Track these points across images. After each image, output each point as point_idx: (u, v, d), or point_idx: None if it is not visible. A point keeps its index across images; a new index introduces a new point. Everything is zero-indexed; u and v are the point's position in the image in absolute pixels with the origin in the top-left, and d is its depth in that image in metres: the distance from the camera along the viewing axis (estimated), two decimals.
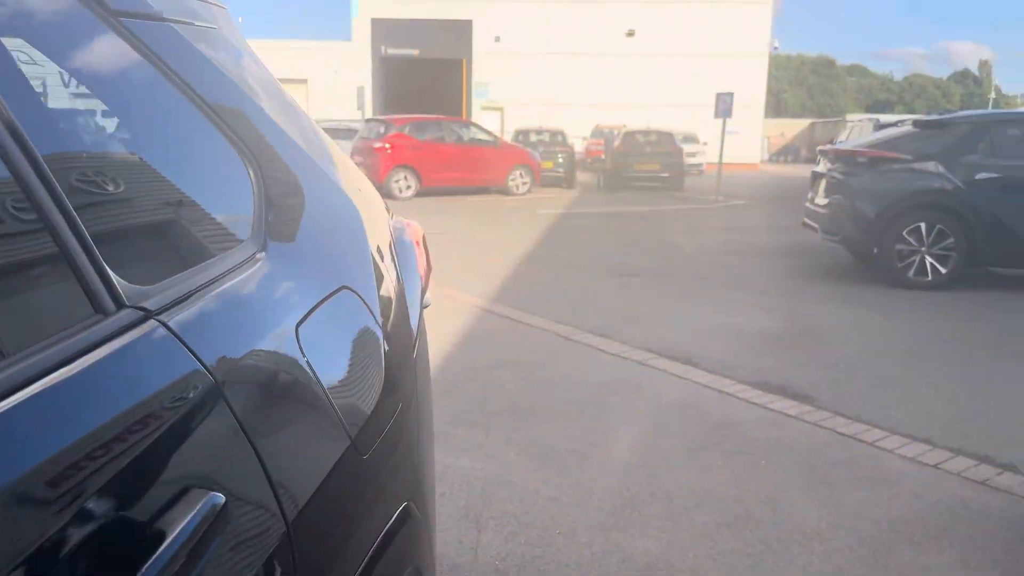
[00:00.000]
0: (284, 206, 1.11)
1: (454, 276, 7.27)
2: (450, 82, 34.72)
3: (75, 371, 0.65)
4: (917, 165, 7.22)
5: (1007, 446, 3.61)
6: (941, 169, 7.16)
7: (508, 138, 21.44)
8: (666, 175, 19.58)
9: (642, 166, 19.54)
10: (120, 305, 0.74)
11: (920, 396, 4.33)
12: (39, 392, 0.61)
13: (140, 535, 0.65)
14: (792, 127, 51.72)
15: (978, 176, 7.10)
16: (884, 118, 15.61)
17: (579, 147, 25.78)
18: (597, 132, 26.85)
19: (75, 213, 0.72)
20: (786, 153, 47.35)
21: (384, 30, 34.05)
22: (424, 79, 34.46)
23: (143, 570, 0.62)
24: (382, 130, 16.68)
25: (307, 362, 0.95)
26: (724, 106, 16.54)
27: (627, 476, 3.27)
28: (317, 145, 1.32)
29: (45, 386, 0.61)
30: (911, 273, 7.20)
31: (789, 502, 3.06)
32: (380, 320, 1.18)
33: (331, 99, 34.03)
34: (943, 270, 7.14)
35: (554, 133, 21.84)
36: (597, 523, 2.88)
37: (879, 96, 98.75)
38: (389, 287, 1.29)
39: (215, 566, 0.70)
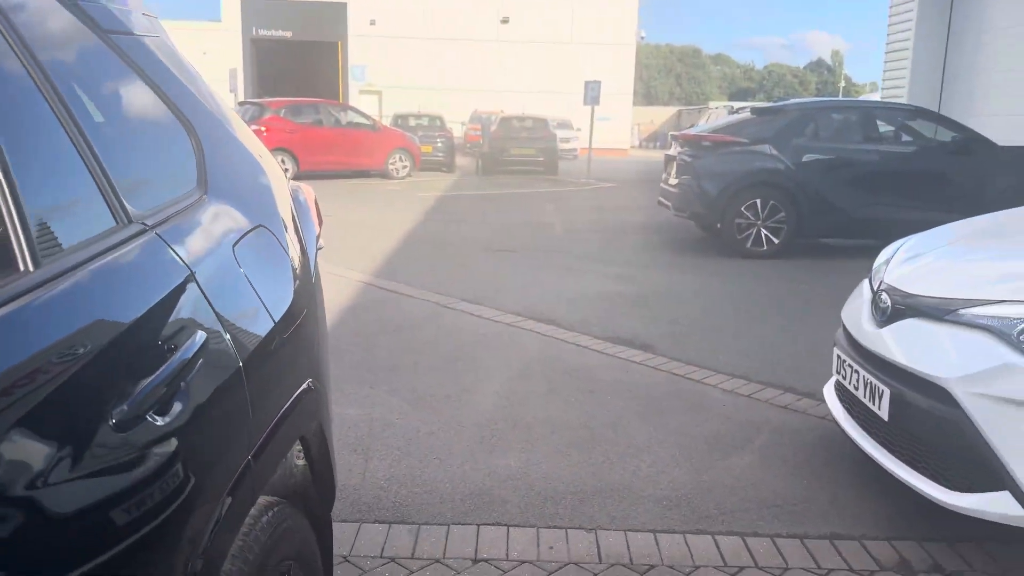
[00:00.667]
0: (214, 164, 1.54)
1: (338, 256, 7.61)
2: (325, 65, 34.31)
3: (106, 261, 1.08)
4: (753, 148, 8.15)
5: (808, 379, 4.38)
6: (773, 151, 8.11)
7: (387, 122, 21.59)
8: (541, 159, 20.34)
9: (518, 151, 20.21)
10: (129, 221, 1.17)
11: (743, 343, 5.10)
12: (92, 271, 1.03)
13: (155, 357, 1.09)
14: (661, 114, 54.07)
15: (805, 158, 8.09)
16: (738, 105, 16.90)
17: (458, 132, 26.21)
18: (475, 117, 27.37)
19: (103, 163, 1.14)
20: (655, 139, 49.49)
21: (255, 11, 33.22)
22: (299, 62, 33.93)
23: (163, 372, 1.07)
24: (257, 113, 16.53)
25: (242, 271, 1.40)
26: (592, 94, 17.40)
27: (494, 413, 3.81)
28: (229, 119, 1.74)
29: (92, 268, 1.04)
30: (749, 244, 8.14)
31: (627, 426, 3.69)
32: (288, 249, 1.63)
33: None
34: (776, 241, 8.11)
35: (433, 118, 22.17)
36: (468, 450, 3.40)
37: (742, 84, 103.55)
38: (292, 229, 1.74)
39: (202, 377, 1.15)
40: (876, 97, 16.69)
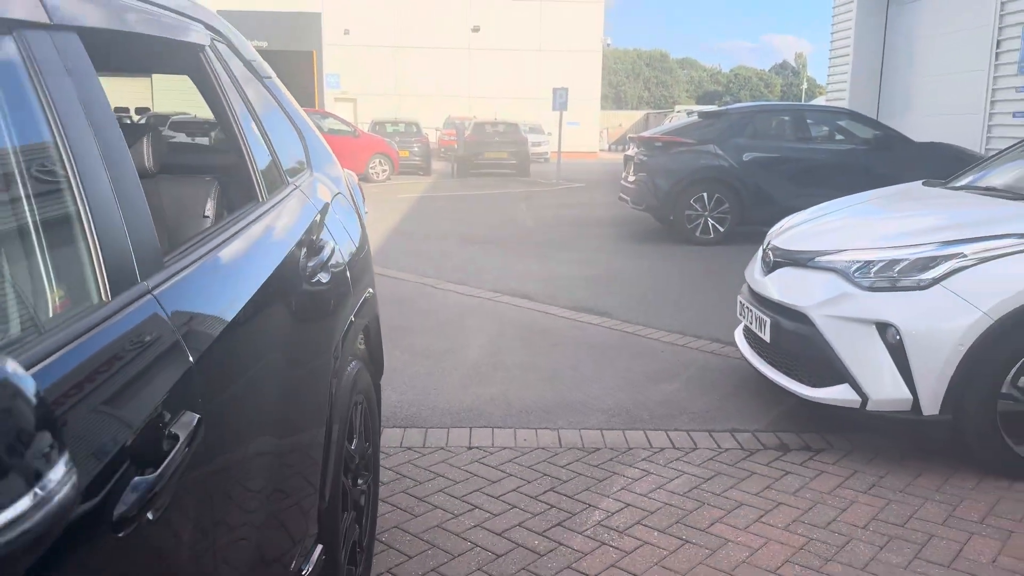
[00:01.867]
0: (313, 154, 2.49)
1: None
2: (301, 73, 35.06)
3: (292, 201, 2.03)
4: (700, 148, 9.20)
5: (731, 333, 5.38)
6: (718, 151, 9.16)
7: (365, 128, 22.47)
8: (514, 162, 21.35)
9: (492, 154, 21.20)
10: (287, 183, 2.12)
11: (682, 309, 6.11)
12: (291, 203, 1.98)
13: (321, 247, 2.03)
14: (629, 118, 55.33)
15: (745, 156, 9.15)
16: (693, 109, 18.04)
17: (433, 137, 27.14)
18: (449, 123, 28.32)
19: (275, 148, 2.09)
20: (624, 142, 50.73)
21: (231, 22, 33.80)
22: (274, 71, 34.58)
23: (322, 256, 2.01)
24: None
25: (338, 217, 2.36)
26: (560, 100, 18.43)
27: (479, 360, 4.77)
28: (312, 126, 2.69)
29: (289, 202, 1.99)
30: (698, 232, 9.18)
31: (583, 367, 4.67)
32: (355, 207, 2.60)
33: (178, 92, 33.53)
34: (721, 229, 9.16)
35: (409, 124, 23.08)
36: (460, 384, 4.36)
37: (709, 87, 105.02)
38: (350, 195, 2.70)
39: (333, 264, 2.10)
40: (823, 100, 17.87)
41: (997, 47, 10.94)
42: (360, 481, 2.30)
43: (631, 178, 9.77)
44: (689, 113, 14.60)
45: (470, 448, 3.52)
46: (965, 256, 3.23)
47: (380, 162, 18.70)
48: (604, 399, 4.15)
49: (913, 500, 3.04)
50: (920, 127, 12.58)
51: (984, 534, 2.79)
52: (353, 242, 2.39)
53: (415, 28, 34.17)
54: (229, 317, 1.34)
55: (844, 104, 14.21)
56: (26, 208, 0.99)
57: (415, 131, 22.68)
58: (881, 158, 9.04)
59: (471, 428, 3.74)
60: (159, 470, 0.96)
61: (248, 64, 2.24)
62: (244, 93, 2.04)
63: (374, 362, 2.68)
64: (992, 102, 11.08)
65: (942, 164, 7.78)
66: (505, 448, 3.53)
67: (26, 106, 1.03)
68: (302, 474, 1.67)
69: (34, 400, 0.66)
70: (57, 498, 0.67)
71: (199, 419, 1.08)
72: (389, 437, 3.62)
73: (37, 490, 0.65)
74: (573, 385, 4.36)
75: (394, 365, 4.66)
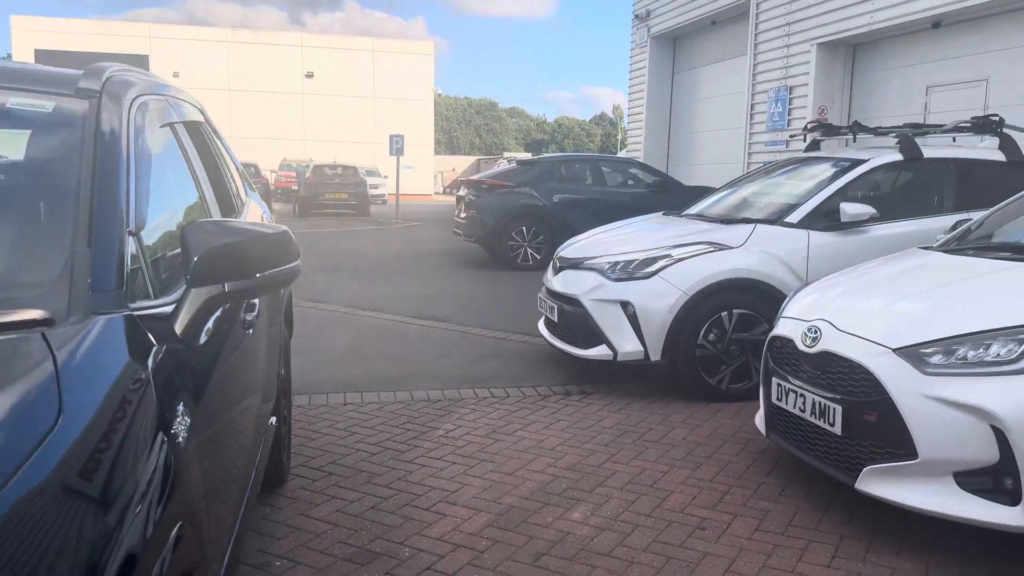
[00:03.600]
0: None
1: None
2: None
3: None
4: (518, 189, 10.98)
5: (528, 328, 7.00)
6: (533, 192, 10.97)
7: None
8: (354, 203, 22.54)
9: (332, 195, 22.29)
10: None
11: (503, 315, 7.69)
12: None
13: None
14: (462, 162, 57.79)
15: (555, 197, 11.02)
16: (519, 156, 20.11)
17: (271, 179, 27.74)
18: (285, 165, 29.05)
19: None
20: (458, 185, 53.02)
21: (50, 62, 32.67)
22: None
23: None
24: None
25: None
26: (397, 146, 19.94)
27: (346, 353, 6.07)
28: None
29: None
30: (519, 260, 10.91)
31: (429, 354, 6.09)
32: None
33: None
34: (539, 256, 10.93)
35: (248, 165, 23.65)
36: (332, 366, 5.63)
37: (535, 136, 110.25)
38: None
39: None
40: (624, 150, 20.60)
41: (752, 109, 13.62)
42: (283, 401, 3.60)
43: (463, 215, 11.39)
44: (510, 161, 16.57)
45: (345, 404, 4.83)
46: (672, 257, 4.99)
47: None
48: (444, 372, 5.58)
49: (645, 415, 4.70)
50: (699, 173, 15.17)
51: (681, 425, 4.47)
52: None
53: (249, 72, 34.67)
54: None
55: (640, 153, 16.72)
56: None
57: (254, 172, 23.33)
58: (660, 198, 11.18)
59: (344, 392, 5.05)
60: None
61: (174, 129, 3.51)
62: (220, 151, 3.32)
63: (288, 326, 3.97)
64: (749, 153, 13.73)
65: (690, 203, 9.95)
66: (371, 403, 4.87)
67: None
68: (271, 388, 2.98)
69: None
70: None
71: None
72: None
73: None
74: (420, 365, 5.76)
75: None
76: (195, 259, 1.65)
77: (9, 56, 38.90)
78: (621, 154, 22.86)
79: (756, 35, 13.06)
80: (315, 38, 38.11)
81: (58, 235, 1.57)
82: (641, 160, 14.52)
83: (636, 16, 16.78)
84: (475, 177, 12.13)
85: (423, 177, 37.91)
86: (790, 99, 12.32)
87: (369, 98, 36.32)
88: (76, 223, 1.56)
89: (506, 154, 49.18)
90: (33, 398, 1.11)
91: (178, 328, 1.61)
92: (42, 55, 33.00)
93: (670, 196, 11.22)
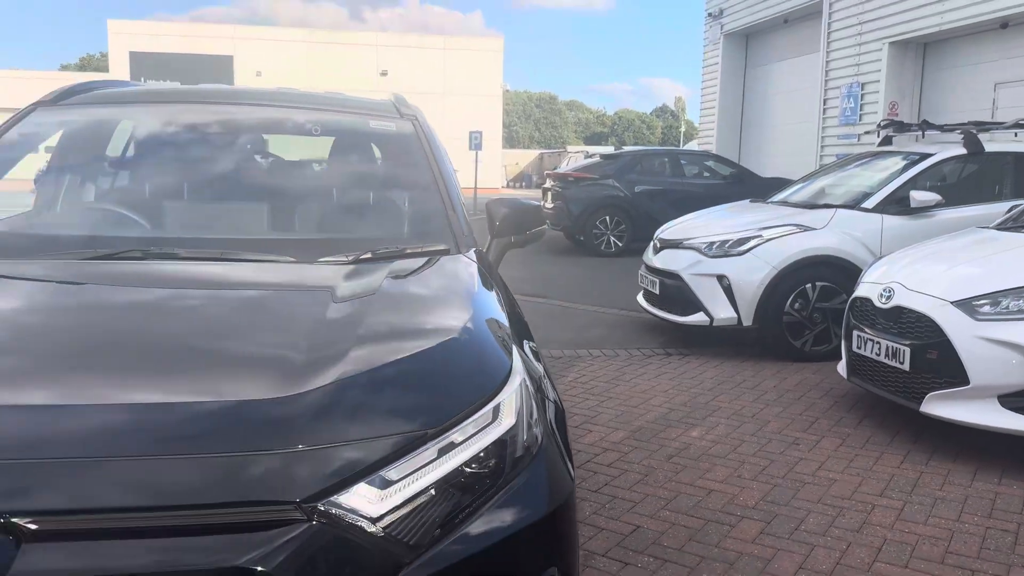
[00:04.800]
0: None
1: None
2: None
3: None
4: (602, 181, 11.86)
5: (630, 303, 7.90)
6: (616, 184, 11.84)
7: None
8: None
9: None
10: None
11: (595, 293, 8.61)
12: None
13: None
14: (525, 156, 58.81)
15: (636, 188, 11.87)
16: (594, 150, 20.99)
17: None
18: None
19: None
20: (521, 180, 54.00)
21: (143, 63, 34.96)
22: None
23: None
24: None
25: None
26: (476, 141, 21.02)
27: None
28: None
29: None
30: (602, 247, 11.80)
31: (540, 323, 7.05)
32: None
33: None
34: (620, 244, 11.81)
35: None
36: None
37: (595, 129, 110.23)
38: None
39: None
40: (696, 142, 21.25)
41: (825, 104, 14.20)
42: None
43: (550, 205, 12.33)
44: (590, 155, 17.48)
45: None
46: (763, 237, 5.83)
47: None
48: (556, 337, 6.53)
49: (739, 370, 5.57)
50: (771, 164, 15.78)
51: (771, 377, 5.33)
52: None
53: (326, 70, 36.16)
54: None
55: (712, 145, 17.40)
56: None
57: None
58: (736, 189, 11.92)
59: None
60: None
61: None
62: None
63: None
64: (822, 146, 14.32)
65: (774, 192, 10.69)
66: None
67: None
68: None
69: None
70: None
71: None
72: None
73: None
74: (534, 331, 6.72)
75: None
76: (497, 222, 2.64)
77: (104, 56, 41.32)
78: (691, 145, 23.56)
79: (829, 33, 13.64)
80: (389, 37, 39.57)
81: (434, 205, 2.57)
82: (714, 152, 15.24)
83: (709, 14, 17.44)
84: (561, 170, 13.07)
85: (491, 171, 39.00)
86: (862, 94, 12.89)
87: (440, 94, 37.50)
88: (442, 199, 2.56)
89: (569, 148, 49.96)
90: (468, 276, 2.13)
91: (492, 259, 2.61)
92: (136, 57, 35.15)
93: (746, 187, 11.97)
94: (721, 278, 5.82)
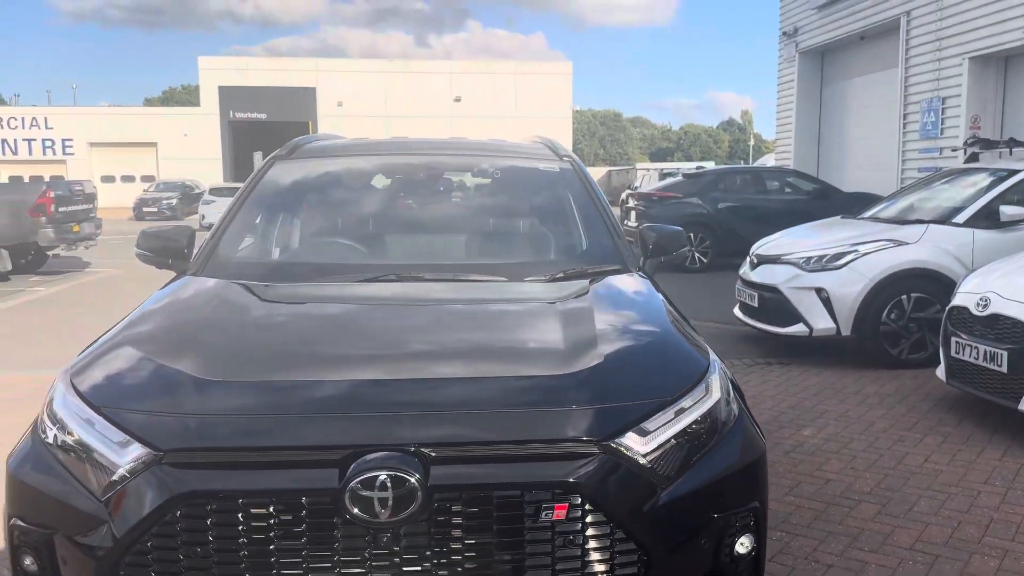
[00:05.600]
0: None
1: None
2: None
3: None
4: (686, 200, 12.31)
5: (727, 317, 8.32)
6: (699, 202, 12.28)
7: None
8: None
9: None
10: None
11: (692, 308, 9.04)
12: None
13: None
14: (594, 175, 59.29)
15: (719, 205, 12.28)
16: (666, 167, 21.39)
17: None
18: None
19: None
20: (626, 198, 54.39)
21: (231, 96, 36.93)
22: (272, 141, 37.49)
23: None
24: None
25: None
26: None
27: None
28: None
29: None
30: (687, 264, 12.22)
31: None
32: None
33: (180, 161, 36.23)
34: (705, 260, 12.22)
35: None
36: None
37: (661, 144, 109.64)
38: None
39: None
40: (772, 156, 21.47)
41: (904, 119, 14.33)
42: None
43: (632, 224, 12.82)
44: (672, 174, 17.94)
45: None
46: (858, 252, 6.24)
47: None
48: None
49: (840, 377, 5.97)
50: (851, 179, 15.93)
51: (871, 383, 5.71)
52: None
53: (402, 99, 37.58)
54: None
55: (790, 161, 17.62)
56: None
57: None
58: (819, 204, 12.20)
59: None
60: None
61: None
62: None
63: None
64: (903, 160, 14.45)
65: (863, 208, 10.96)
66: None
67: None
68: None
69: None
70: None
71: None
72: None
73: None
74: None
75: None
76: (650, 245, 3.21)
77: (196, 88, 43.50)
78: (767, 160, 23.74)
79: (907, 49, 13.81)
80: (462, 64, 40.81)
81: (601, 233, 3.16)
82: (792, 167, 15.50)
83: (784, 33, 17.74)
84: (644, 190, 13.56)
85: None
86: (943, 109, 13.01)
87: (510, 117, 38.46)
88: (607, 228, 3.15)
89: (639, 165, 50.29)
90: (647, 288, 2.74)
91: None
92: (224, 91, 37.14)
93: (829, 202, 12.25)
94: (820, 291, 6.23)
